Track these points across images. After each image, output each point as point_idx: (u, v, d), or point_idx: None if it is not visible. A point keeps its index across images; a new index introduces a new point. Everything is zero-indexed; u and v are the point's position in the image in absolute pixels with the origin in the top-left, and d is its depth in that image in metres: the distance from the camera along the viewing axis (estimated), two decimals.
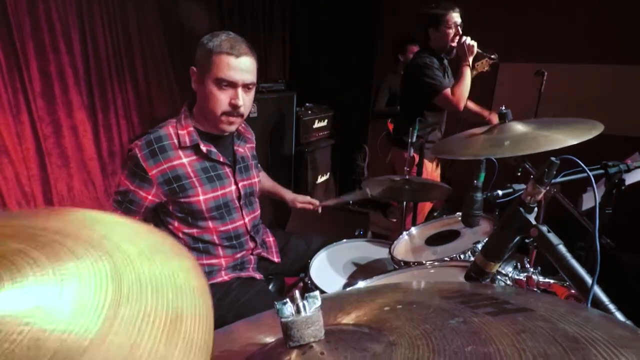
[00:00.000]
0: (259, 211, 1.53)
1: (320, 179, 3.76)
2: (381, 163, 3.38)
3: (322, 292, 1.25)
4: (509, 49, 2.91)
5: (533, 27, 3.35)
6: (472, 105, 2.35)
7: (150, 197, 1.25)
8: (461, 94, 2.10)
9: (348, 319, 0.47)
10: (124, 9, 3.09)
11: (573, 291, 0.91)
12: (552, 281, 0.96)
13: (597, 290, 0.64)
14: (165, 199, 1.27)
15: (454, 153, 1.25)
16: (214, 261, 1.38)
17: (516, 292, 0.63)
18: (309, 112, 3.55)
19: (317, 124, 3.63)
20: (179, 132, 1.26)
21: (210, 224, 1.34)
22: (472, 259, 1.23)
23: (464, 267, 1.17)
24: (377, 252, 1.60)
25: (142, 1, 3.17)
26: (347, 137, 4.14)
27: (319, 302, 0.41)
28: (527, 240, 0.77)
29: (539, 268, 1.00)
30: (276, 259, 1.57)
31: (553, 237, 0.70)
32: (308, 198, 1.72)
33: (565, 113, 1.66)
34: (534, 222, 0.72)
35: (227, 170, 1.36)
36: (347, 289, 1.16)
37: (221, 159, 1.33)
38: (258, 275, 1.46)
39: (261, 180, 1.74)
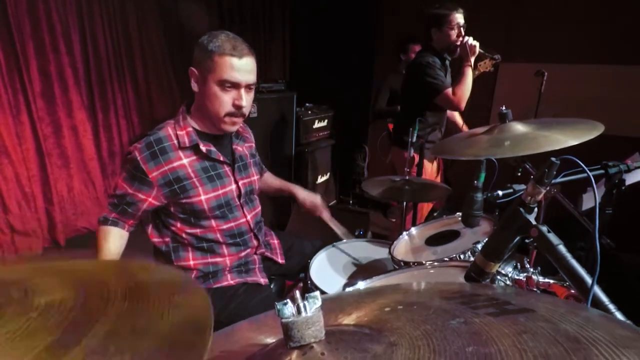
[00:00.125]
0: (259, 208, 1.54)
1: (320, 179, 3.76)
2: (381, 163, 3.38)
3: (322, 292, 1.25)
4: (509, 49, 2.91)
5: (533, 27, 3.35)
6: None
7: (150, 200, 1.25)
8: (462, 94, 2.10)
9: (349, 319, 0.47)
10: (124, 9, 3.09)
11: (573, 291, 0.91)
12: (552, 281, 0.96)
13: (597, 290, 0.64)
14: (165, 201, 1.27)
15: (454, 153, 1.25)
16: (218, 260, 1.38)
17: (517, 292, 0.63)
18: (309, 112, 3.56)
19: (317, 124, 3.63)
20: (178, 132, 1.27)
21: (213, 222, 1.34)
22: (472, 259, 1.23)
23: (464, 267, 1.16)
24: (377, 252, 1.60)
25: (142, 1, 3.17)
26: (347, 137, 4.15)
27: (319, 303, 0.41)
28: (527, 241, 0.77)
29: (539, 268, 1.00)
30: (280, 260, 1.58)
31: (553, 237, 0.70)
32: (318, 199, 1.69)
33: (566, 113, 1.66)
34: (534, 222, 0.72)
35: (227, 169, 1.36)
36: (347, 289, 1.16)
37: (221, 158, 1.33)
38: (263, 280, 1.45)
39: (268, 179, 1.74)
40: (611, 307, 0.64)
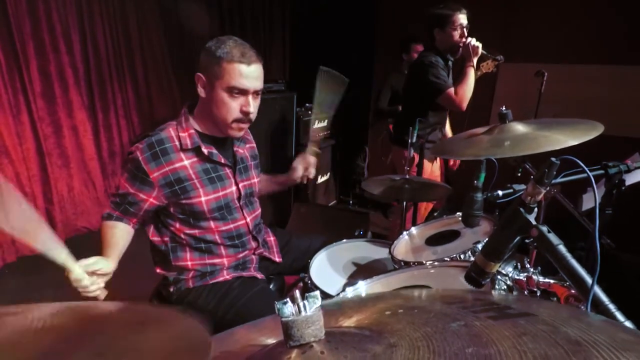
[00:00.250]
0: (259, 210, 1.54)
1: (321, 179, 3.76)
2: (381, 163, 3.38)
3: (322, 292, 1.25)
4: (509, 49, 2.90)
5: (533, 27, 3.35)
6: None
7: (150, 200, 1.25)
8: (464, 94, 2.11)
9: (349, 322, 0.47)
10: (124, 9, 3.09)
11: (573, 291, 0.91)
12: (552, 281, 0.96)
13: (597, 290, 0.64)
14: (166, 201, 1.28)
15: (454, 153, 1.25)
16: (216, 260, 1.38)
17: (518, 298, 0.63)
18: (309, 112, 3.55)
19: (317, 124, 3.63)
20: (180, 134, 1.27)
21: (212, 224, 1.34)
22: (472, 259, 1.23)
23: (464, 267, 1.16)
24: (377, 252, 1.60)
25: (142, 1, 3.17)
26: (347, 137, 4.15)
27: (319, 302, 0.41)
28: (527, 241, 0.77)
29: (539, 268, 1.00)
30: (277, 259, 1.58)
31: (553, 237, 0.70)
32: (306, 156, 1.71)
33: (566, 113, 1.66)
34: (534, 223, 0.72)
35: (228, 171, 1.36)
36: (348, 288, 1.16)
37: (222, 160, 1.33)
38: (259, 275, 1.46)
39: (262, 181, 1.72)
40: (611, 307, 0.64)
